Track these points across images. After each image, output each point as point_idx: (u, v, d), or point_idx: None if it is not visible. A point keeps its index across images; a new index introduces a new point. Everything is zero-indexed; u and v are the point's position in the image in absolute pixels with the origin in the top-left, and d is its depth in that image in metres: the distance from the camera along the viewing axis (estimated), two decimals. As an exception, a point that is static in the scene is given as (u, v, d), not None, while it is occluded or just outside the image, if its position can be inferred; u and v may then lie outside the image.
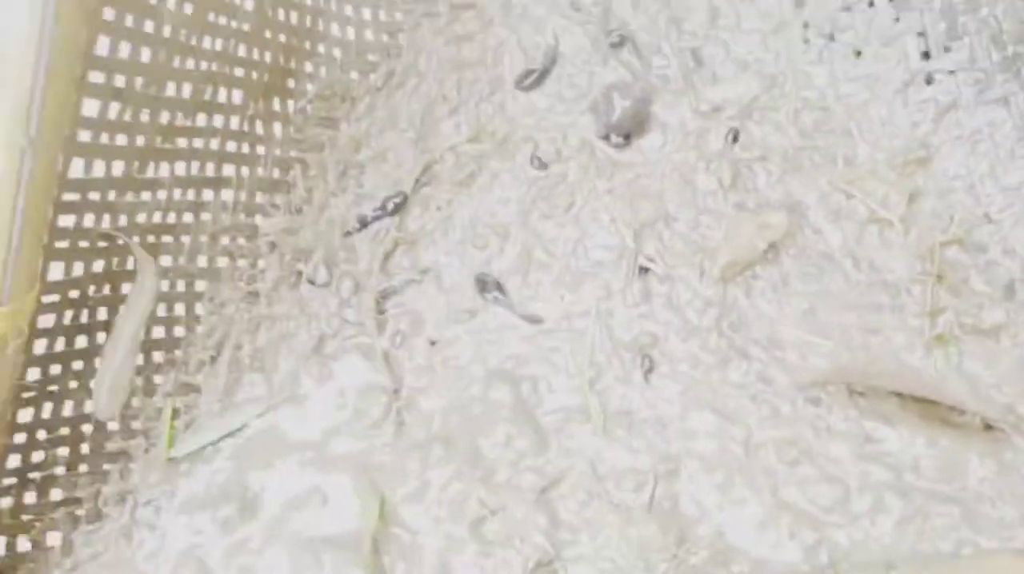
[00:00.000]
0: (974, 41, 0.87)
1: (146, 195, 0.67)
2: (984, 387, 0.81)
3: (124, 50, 0.57)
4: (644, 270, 0.86)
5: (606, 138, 0.89)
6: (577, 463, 0.79)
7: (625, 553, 0.75)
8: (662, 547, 0.74)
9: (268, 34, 0.74)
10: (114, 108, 0.59)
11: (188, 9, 0.63)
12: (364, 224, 0.86)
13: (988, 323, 0.82)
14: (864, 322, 0.83)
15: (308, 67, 0.81)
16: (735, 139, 0.89)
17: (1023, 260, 0.84)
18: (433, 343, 0.85)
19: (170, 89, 0.64)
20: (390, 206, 0.87)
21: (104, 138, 0.60)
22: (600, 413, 0.81)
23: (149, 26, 0.59)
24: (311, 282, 0.84)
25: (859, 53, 0.89)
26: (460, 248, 0.87)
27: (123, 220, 0.66)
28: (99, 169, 0.61)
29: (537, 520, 0.76)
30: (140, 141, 0.64)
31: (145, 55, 0.59)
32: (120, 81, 0.58)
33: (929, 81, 0.88)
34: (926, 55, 0.88)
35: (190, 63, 0.65)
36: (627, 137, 0.89)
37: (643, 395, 0.82)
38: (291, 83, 0.80)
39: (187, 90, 0.66)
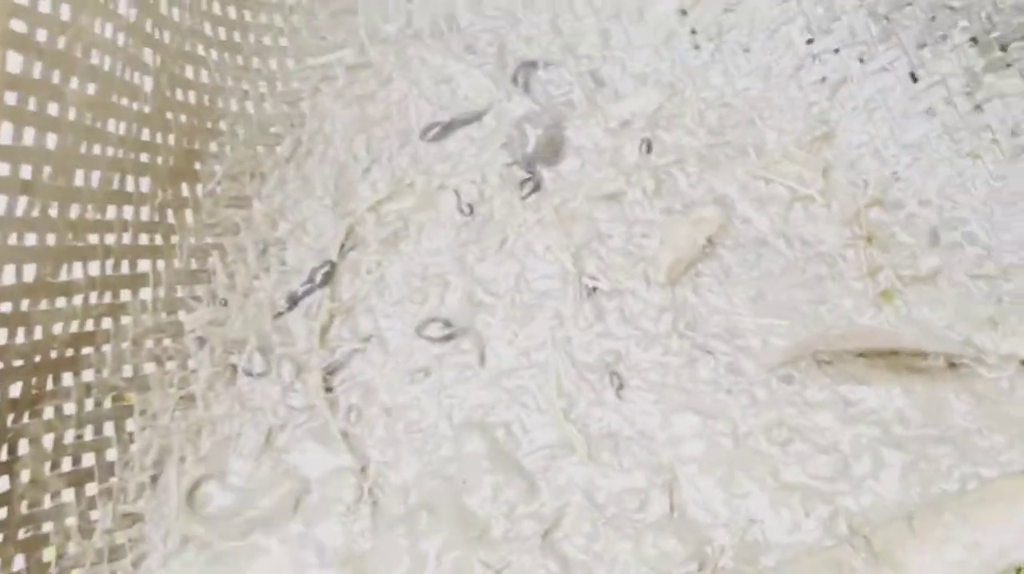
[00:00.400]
0: (852, 18, 0.93)
1: (61, 301, 0.62)
2: (937, 329, 0.84)
3: (29, 136, 0.53)
4: (591, 290, 0.86)
5: (526, 168, 0.90)
6: (573, 498, 0.77)
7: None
8: (684, 559, 0.72)
9: (169, 115, 0.72)
10: (22, 204, 0.55)
11: (91, 89, 0.60)
12: (294, 302, 0.83)
13: (924, 270, 0.86)
14: (811, 295, 0.85)
15: (213, 147, 0.79)
16: (649, 149, 0.91)
17: (938, 208, 0.89)
18: (390, 411, 0.81)
19: (79, 178, 0.61)
20: (319, 277, 0.84)
21: (13, 238, 0.56)
22: (583, 441, 0.79)
23: (53, 109, 0.55)
24: (248, 374, 0.79)
25: (747, 49, 0.94)
26: (399, 307, 0.85)
27: (38, 332, 0.61)
28: (9, 275, 0.57)
29: (548, 566, 0.73)
30: (51, 240, 0.59)
31: (51, 141, 0.56)
32: (27, 172, 0.54)
33: (817, 61, 0.93)
34: (810, 41, 0.94)
35: (96, 148, 0.62)
36: (546, 164, 0.90)
37: (621, 413, 0.80)
38: (198, 166, 0.78)
39: (95, 178, 0.63)
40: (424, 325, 0.84)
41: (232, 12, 0.83)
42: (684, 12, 0.96)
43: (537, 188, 0.89)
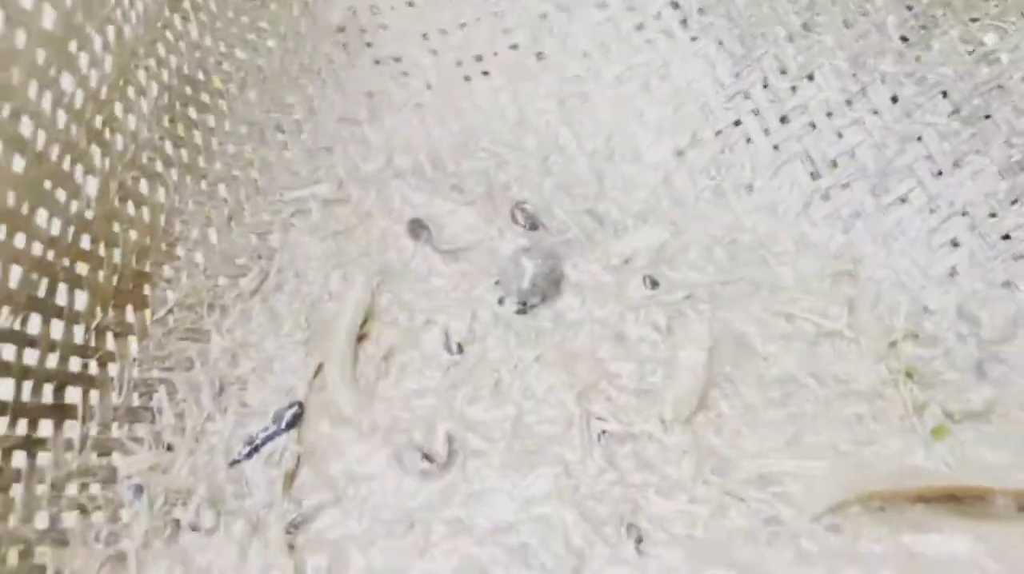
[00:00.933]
0: (858, 151, 0.91)
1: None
2: (998, 469, 0.75)
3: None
4: (600, 433, 0.76)
5: (521, 306, 0.83)
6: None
7: None
8: None
9: (116, 228, 0.66)
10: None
11: (19, 166, 0.54)
12: (254, 447, 0.73)
13: (978, 404, 0.78)
14: (853, 436, 0.77)
15: (167, 271, 0.72)
16: (654, 285, 0.86)
17: (978, 340, 0.83)
18: (368, 572, 0.69)
19: (-6, 269, 0.53)
20: (285, 420, 0.74)
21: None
22: (599, 605, 0.66)
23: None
24: (194, 529, 0.68)
25: (751, 187, 0.92)
26: (378, 452, 0.75)
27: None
28: None
29: None
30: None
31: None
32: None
33: (825, 198, 0.90)
34: (814, 175, 0.91)
35: (19, 239, 0.55)
36: (543, 301, 0.84)
37: (642, 571, 0.68)
38: (147, 290, 0.70)
39: (15, 276, 0.55)
40: (407, 454, 0.74)
41: (198, 137, 0.79)
42: (680, 153, 0.94)
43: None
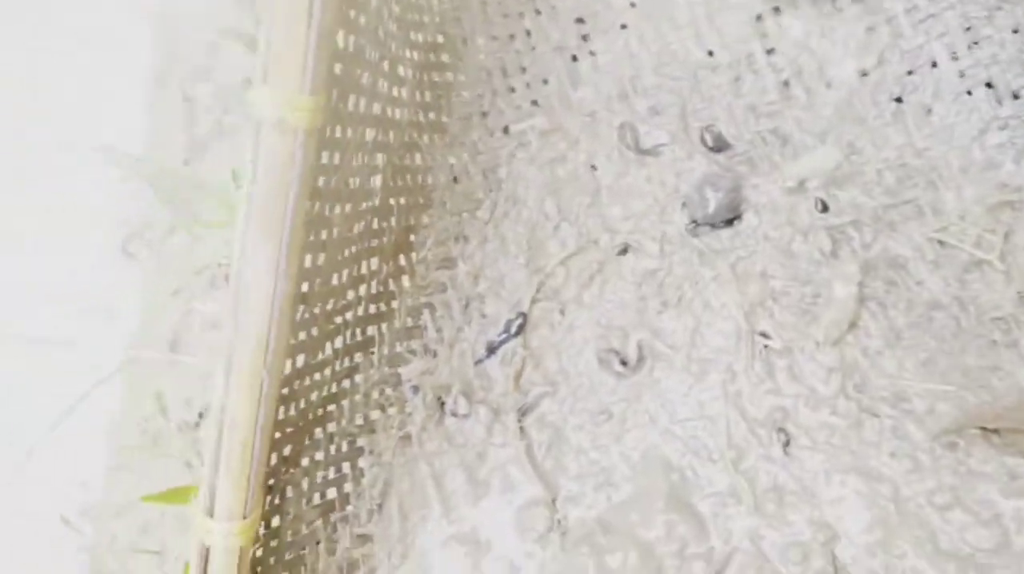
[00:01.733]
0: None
1: (318, 375, 0.78)
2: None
3: (307, 260, 0.67)
4: (763, 347, 0.95)
5: (704, 228, 0.98)
6: (740, 544, 0.88)
7: (805, 625, 0.83)
8: (839, 614, 0.82)
9: (392, 201, 0.85)
10: (300, 311, 0.70)
11: (348, 208, 0.73)
12: (492, 350, 0.97)
13: (1107, 344, 0.90)
14: (983, 362, 0.91)
15: (425, 219, 0.93)
16: (825, 208, 0.98)
17: None
18: (576, 450, 0.94)
19: (335, 280, 0.76)
20: (513, 328, 0.97)
21: (292, 338, 0.71)
22: (750, 492, 0.89)
23: (324, 234, 0.70)
24: (454, 415, 0.94)
25: (930, 111, 0.98)
26: (584, 355, 0.97)
27: (303, 403, 0.77)
28: (288, 365, 0.72)
29: (715, 607, 0.84)
30: (314, 331, 0.75)
31: (320, 259, 0.70)
32: (305, 287, 0.69)
33: (1003, 127, 0.96)
34: (995, 103, 0.96)
35: (347, 252, 0.77)
36: (725, 223, 0.99)
37: (787, 469, 0.90)
38: (412, 237, 0.91)
39: (344, 274, 0.77)
40: (607, 357, 0.96)
41: (431, 95, 0.95)
42: (865, 73, 1.00)
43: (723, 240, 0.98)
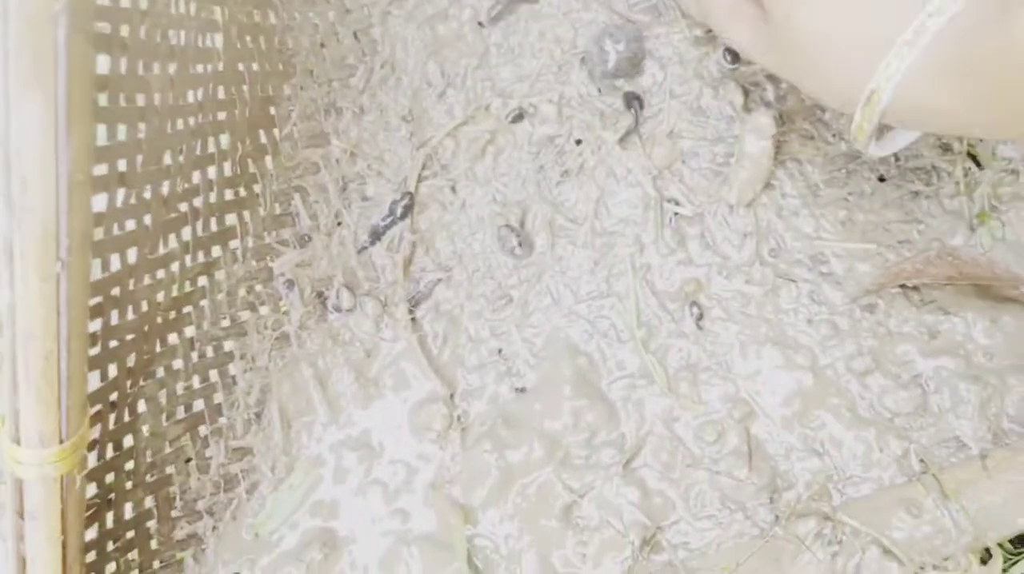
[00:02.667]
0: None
1: (160, 273, 0.67)
2: (1026, 251, 0.84)
3: (121, 133, 0.56)
4: (673, 215, 0.87)
5: (612, 80, 0.89)
6: (653, 427, 0.82)
7: (721, 507, 0.78)
8: (757, 490, 0.77)
9: (242, 67, 0.73)
10: (120, 195, 0.59)
11: (171, 69, 0.62)
12: (377, 236, 0.87)
13: (1026, 186, 0.85)
14: (903, 214, 0.85)
15: (287, 90, 0.81)
16: (735, 59, 0.89)
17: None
18: (474, 339, 0.86)
19: (167, 158, 0.64)
20: (399, 210, 0.87)
21: (116, 229, 0.60)
22: (662, 372, 0.83)
23: (140, 99, 0.58)
24: (337, 310, 0.85)
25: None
26: (478, 235, 0.88)
27: (144, 305, 0.67)
28: (115, 262, 0.62)
29: (627, 494, 0.79)
30: (147, 220, 0.64)
31: (141, 130, 0.59)
32: (123, 165, 0.58)
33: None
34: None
35: (180, 123, 0.65)
36: (627, 79, 0.89)
37: (700, 344, 0.84)
38: (273, 110, 0.80)
39: (183, 155, 0.66)
40: (505, 238, 0.87)
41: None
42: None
43: (640, 106, 0.88)
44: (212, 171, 0.72)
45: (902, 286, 0.83)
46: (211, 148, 0.72)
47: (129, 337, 0.65)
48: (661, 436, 0.82)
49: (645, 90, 0.90)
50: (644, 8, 0.92)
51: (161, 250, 0.67)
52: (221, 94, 0.71)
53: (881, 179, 0.86)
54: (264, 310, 0.81)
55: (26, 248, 0.45)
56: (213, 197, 0.73)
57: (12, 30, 0.40)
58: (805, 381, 0.81)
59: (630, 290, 0.86)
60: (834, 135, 0.87)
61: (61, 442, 0.51)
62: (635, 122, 0.88)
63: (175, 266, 0.69)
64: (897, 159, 0.87)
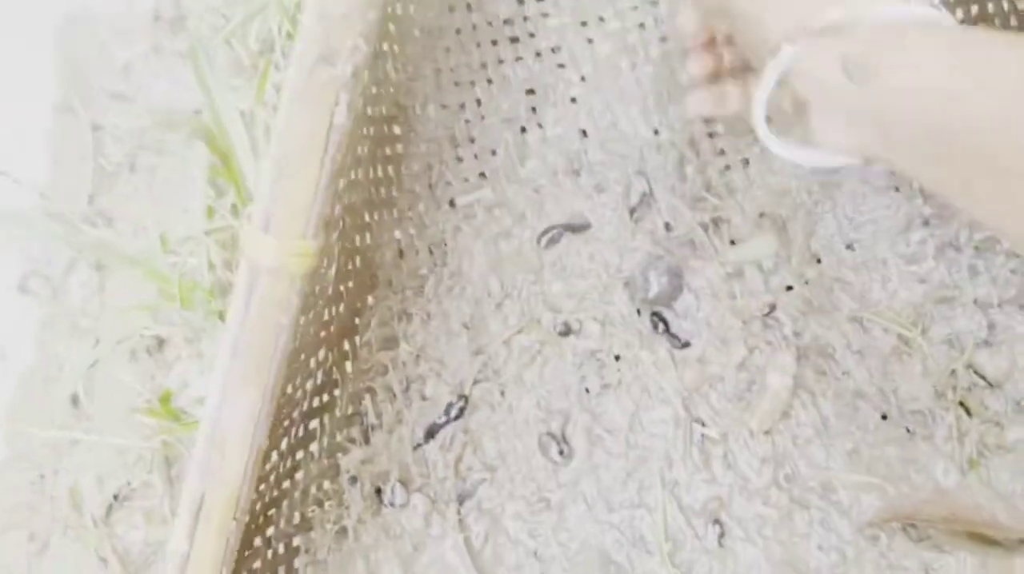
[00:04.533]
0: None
1: (262, 486, 0.73)
2: (1017, 499, 0.95)
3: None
4: (701, 436, 0.96)
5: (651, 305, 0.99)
6: (678, 640, 0.89)
7: None
8: None
9: (341, 287, 0.81)
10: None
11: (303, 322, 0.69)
12: (431, 434, 0.94)
13: (1010, 439, 0.96)
14: (903, 453, 0.96)
15: (370, 300, 0.89)
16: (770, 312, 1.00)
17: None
18: (514, 540, 0.93)
19: (288, 388, 0.71)
20: (454, 411, 0.95)
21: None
22: (686, 586, 0.91)
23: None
24: (391, 505, 0.91)
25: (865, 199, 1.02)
26: (523, 438, 0.96)
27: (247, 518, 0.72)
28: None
29: None
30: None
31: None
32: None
33: (925, 223, 1.02)
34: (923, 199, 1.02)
35: (301, 356, 0.72)
36: (665, 306, 1.00)
37: (722, 561, 0.92)
38: (357, 320, 0.88)
39: (297, 380, 0.73)
40: (546, 445, 0.95)
41: (383, 170, 0.91)
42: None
43: (666, 328, 0.98)
44: (309, 383, 0.79)
45: (902, 523, 0.94)
46: (312, 364, 0.79)
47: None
48: (685, 649, 0.89)
49: (680, 316, 1.02)
50: (681, 242, 1.04)
51: (267, 466, 0.73)
52: (325, 315, 0.79)
53: (884, 417, 0.97)
54: (329, 505, 0.87)
55: (212, 510, 0.51)
56: (306, 406, 0.80)
57: (246, 338, 0.48)
58: (817, 606, 0.90)
59: (659, 503, 0.94)
60: (844, 373, 0.99)
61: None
62: (668, 343, 0.99)
63: (273, 476, 0.75)
64: (898, 402, 0.98)
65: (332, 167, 0.48)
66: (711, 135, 1.04)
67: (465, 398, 0.96)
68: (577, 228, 1.02)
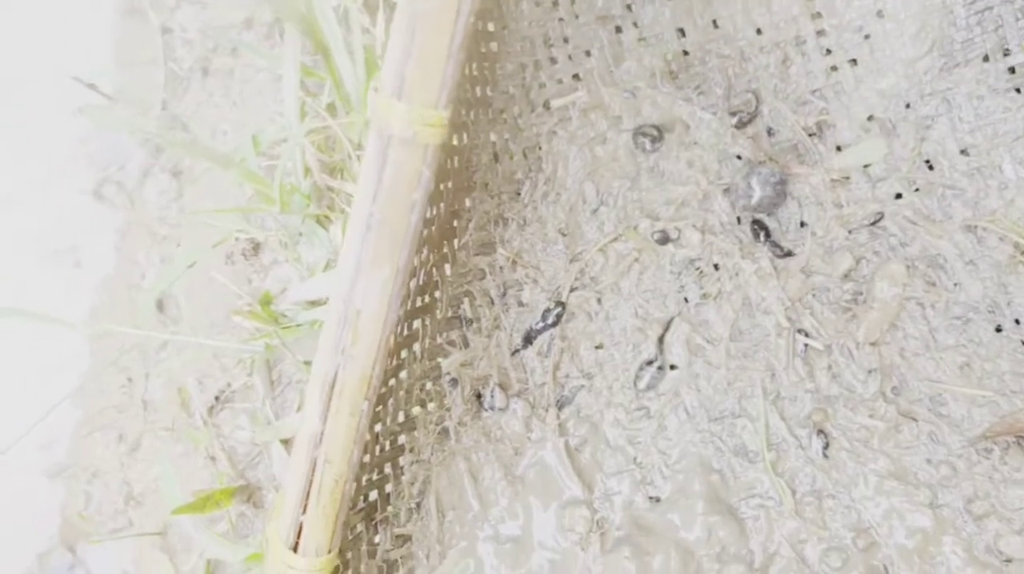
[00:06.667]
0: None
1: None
2: None
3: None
4: (804, 347, 0.94)
5: (752, 213, 0.97)
6: (780, 548, 0.89)
7: (848, 633, 0.85)
8: (880, 622, 0.84)
9: (441, 186, 0.81)
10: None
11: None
12: (530, 340, 0.94)
13: None
14: (1017, 368, 0.93)
15: (467, 202, 0.88)
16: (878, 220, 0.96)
17: None
18: (613, 447, 0.93)
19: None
20: (551, 318, 0.94)
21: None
22: (789, 495, 0.90)
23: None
24: (491, 408, 0.91)
25: (981, 100, 0.97)
26: (621, 347, 0.95)
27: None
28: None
29: (756, 612, 0.86)
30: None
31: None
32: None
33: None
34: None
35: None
36: (767, 214, 0.97)
37: (826, 472, 0.91)
38: (455, 223, 0.87)
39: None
40: (642, 368, 0.94)
41: (479, 68, 0.89)
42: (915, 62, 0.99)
43: (768, 237, 0.96)
44: (412, 283, 0.79)
45: (1017, 437, 0.91)
46: (415, 263, 0.78)
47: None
48: (788, 557, 0.88)
49: (782, 224, 0.99)
50: (784, 147, 1.00)
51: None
52: (427, 213, 0.78)
53: (998, 329, 0.94)
54: (431, 406, 0.87)
55: (345, 387, 0.51)
56: (409, 305, 0.80)
57: (379, 212, 0.47)
58: (924, 518, 0.89)
59: (760, 413, 0.93)
60: (955, 284, 0.96)
61: (329, 552, 0.57)
62: (770, 252, 0.96)
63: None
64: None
65: (464, 32, 0.47)
66: (819, 33, 1.00)
67: (562, 305, 0.95)
68: (674, 132, 0.99)
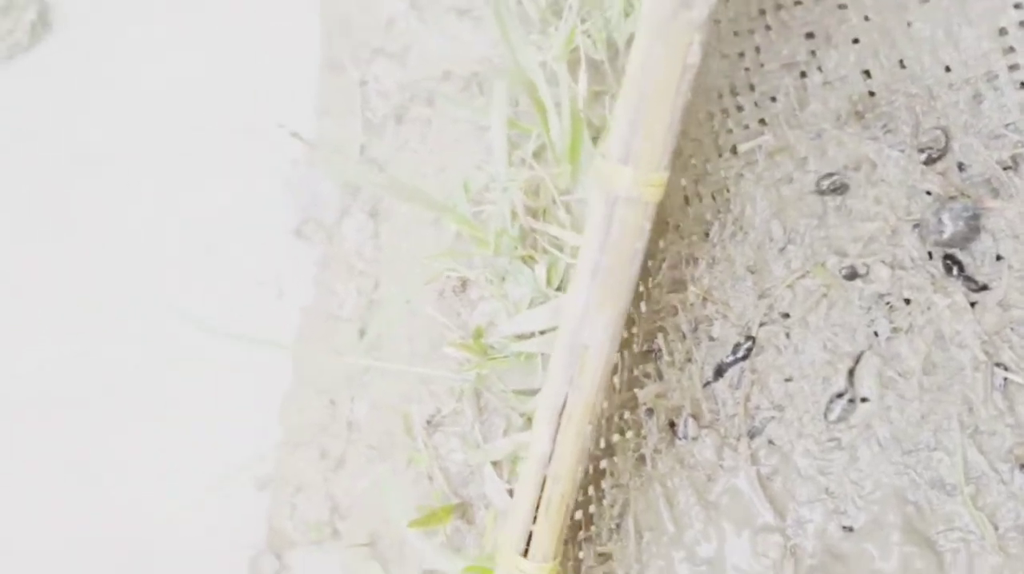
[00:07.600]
0: None
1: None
2: None
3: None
4: (1003, 380, 0.94)
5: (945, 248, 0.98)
6: (981, 583, 0.89)
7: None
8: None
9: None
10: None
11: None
12: (720, 373, 0.99)
13: None
14: None
15: (660, 244, 0.95)
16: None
17: None
18: (804, 477, 0.96)
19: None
20: (741, 351, 0.99)
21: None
22: (991, 530, 0.90)
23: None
24: (684, 437, 0.97)
25: None
26: (810, 379, 0.98)
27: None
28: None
29: (957, 645, 0.86)
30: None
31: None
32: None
33: None
34: None
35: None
36: (960, 249, 0.98)
37: (1030, 508, 0.91)
38: (650, 263, 0.94)
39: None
40: (832, 401, 0.97)
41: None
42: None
43: (961, 271, 0.97)
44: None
45: None
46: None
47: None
48: (990, 593, 0.89)
49: (976, 258, 0.99)
50: (977, 182, 1.01)
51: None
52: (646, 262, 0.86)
53: None
54: (629, 434, 0.94)
55: (573, 413, 0.59)
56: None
57: (606, 261, 0.55)
58: None
59: (958, 446, 0.94)
60: None
61: (554, 559, 0.65)
62: (964, 286, 0.97)
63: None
64: None
65: (683, 104, 0.54)
66: (1012, 68, 1.00)
67: (752, 339, 0.99)
68: (861, 171, 1.02)
